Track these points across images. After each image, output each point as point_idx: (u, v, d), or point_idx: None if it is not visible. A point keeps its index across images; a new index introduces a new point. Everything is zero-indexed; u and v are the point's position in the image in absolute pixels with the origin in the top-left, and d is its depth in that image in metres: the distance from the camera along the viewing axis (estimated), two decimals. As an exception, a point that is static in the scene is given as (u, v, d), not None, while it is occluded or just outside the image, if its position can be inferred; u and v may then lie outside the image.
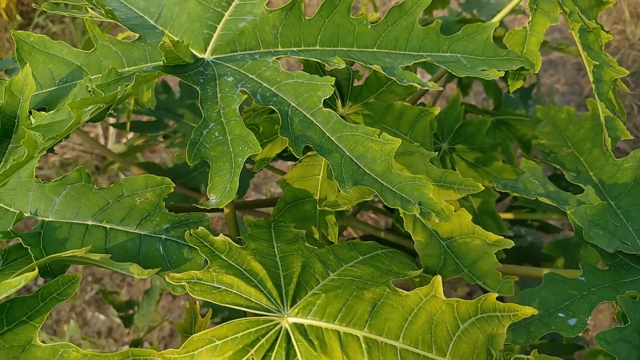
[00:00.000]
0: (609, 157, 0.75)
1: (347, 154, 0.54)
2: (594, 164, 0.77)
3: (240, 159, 0.52)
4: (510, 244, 0.60)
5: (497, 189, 0.68)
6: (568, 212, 0.59)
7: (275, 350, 0.44)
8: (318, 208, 0.62)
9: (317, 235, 0.66)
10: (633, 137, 0.81)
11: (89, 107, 0.52)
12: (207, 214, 0.55)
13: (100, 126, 2.37)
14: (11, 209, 0.55)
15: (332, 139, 0.55)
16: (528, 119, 1.04)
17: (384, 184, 0.53)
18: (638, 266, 0.64)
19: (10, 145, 0.58)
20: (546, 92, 2.39)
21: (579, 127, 0.82)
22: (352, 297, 0.45)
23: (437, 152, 0.89)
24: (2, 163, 0.57)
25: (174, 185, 0.55)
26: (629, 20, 2.80)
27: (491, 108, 1.09)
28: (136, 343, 1.04)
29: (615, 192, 0.72)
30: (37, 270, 0.42)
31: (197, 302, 0.58)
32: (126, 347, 1.49)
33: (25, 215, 0.54)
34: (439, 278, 0.46)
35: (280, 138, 0.70)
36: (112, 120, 1.50)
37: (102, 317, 1.83)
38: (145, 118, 1.70)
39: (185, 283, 0.45)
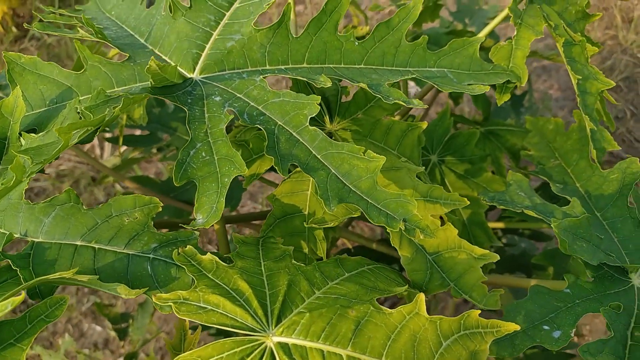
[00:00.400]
0: (596, 168, 0.76)
1: (333, 171, 0.55)
2: (580, 176, 0.78)
3: (226, 179, 0.52)
4: (496, 257, 0.61)
5: (486, 201, 0.69)
6: (552, 225, 0.60)
7: (260, 369, 0.44)
8: (302, 224, 0.63)
9: (306, 250, 0.66)
10: (620, 148, 0.82)
11: (80, 132, 0.53)
12: (195, 232, 0.56)
13: (97, 138, 2.37)
14: (1, 230, 0.55)
15: (318, 157, 0.56)
16: (517, 130, 1.05)
17: (369, 201, 0.54)
18: (623, 277, 0.65)
19: (0, 167, 0.59)
20: (540, 98, 2.41)
21: (567, 139, 0.83)
22: (336, 315, 0.46)
23: (426, 165, 0.90)
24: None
25: (162, 205, 0.55)
26: (621, 26, 2.82)
27: (481, 119, 1.10)
28: (131, 356, 1.04)
29: (602, 203, 0.73)
30: (23, 294, 0.43)
31: (187, 321, 0.59)
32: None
33: (15, 236, 0.54)
34: (422, 296, 0.47)
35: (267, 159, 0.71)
36: (107, 134, 1.51)
37: (98, 328, 1.83)
38: (138, 132, 1.72)
39: (172, 303, 0.46)
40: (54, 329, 1.87)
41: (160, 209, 0.55)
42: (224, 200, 0.52)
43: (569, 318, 0.58)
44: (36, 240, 0.54)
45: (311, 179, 0.69)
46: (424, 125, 0.73)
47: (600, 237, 0.65)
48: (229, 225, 1.34)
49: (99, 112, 0.54)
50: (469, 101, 2.28)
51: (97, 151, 2.29)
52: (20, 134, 0.58)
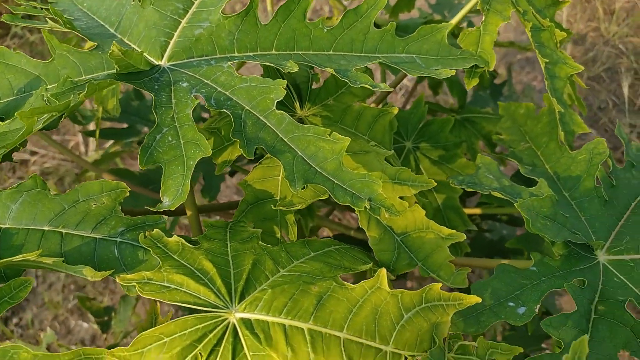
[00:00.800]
0: (564, 150, 0.78)
1: (299, 153, 0.56)
2: (550, 157, 0.79)
3: (192, 162, 0.53)
4: (463, 237, 0.62)
5: (455, 184, 0.70)
6: (516, 205, 0.61)
7: (222, 345, 0.45)
8: (273, 207, 0.63)
9: (278, 235, 0.67)
10: (590, 131, 0.83)
11: (43, 116, 0.54)
12: (163, 216, 0.57)
13: (80, 135, 2.37)
14: (-31, 218, 0.55)
15: (285, 139, 0.57)
16: (493, 117, 1.06)
17: (335, 181, 0.54)
18: (589, 255, 0.66)
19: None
20: (521, 90, 2.43)
21: (537, 122, 0.84)
22: (299, 291, 0.47)
23: (400, 151, 0.91)
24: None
25: (129, 189, 0.56)
26: (603, 17, 2.84)
27: (455, 105, 1.12)
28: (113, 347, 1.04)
29: (570, 183, 0.74)
30: None
31: (158, 303, 0.60)
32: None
33: (-17, 223, 0.55)
34: (383, 271, 0.48)
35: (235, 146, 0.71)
36: (89, 129, 1.51)
37: (85, 325, 1.82)
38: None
39: (136, 283, 0.47)
40: (40, 326, 1.87)
41: (128, 194, 0.56)
42: (189, 183, 0.52)
43: (534, 295, 0.59)
44: (3, 226, 0.54)
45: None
46: (395, 110, 0.74)
47: (565, 215, 0.67)
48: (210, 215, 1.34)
49: (64, 98, 0.54)
50: (446, 94, 2.30)
51: (82, 148, 2.28)
52: (-13, 122, 0.58)
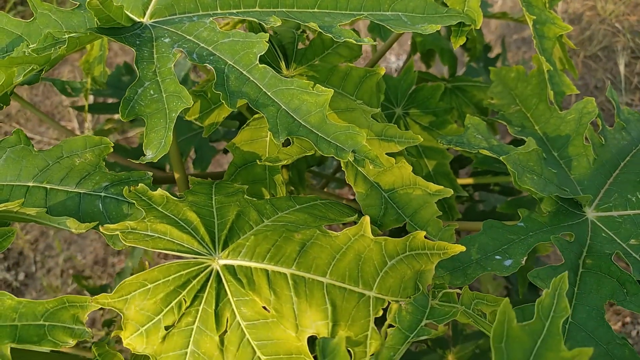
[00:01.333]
0: (554, 110, 0.77)
1: (283, 107, 0.55)
2: (539, 119, 0.78)
3: (174, 114, 0.53)
4: (450, 192, 0.61)
5: (443, 144, 0.70)
6: (502, 159, 0.61)
7: (206, 291, 0.45)
8: (259, 162, 0.63)
9: (267, 196, 0.67)
10: (579, 92, 0.83)
11: (25, 70, 0.53)
12: (148, 172, 0.56)
13: (76, 120, 2.36)
14: (-48, 175, 0.55)
15: (268, 93, 0.56)
16: (484, 85, 1.05)
17: (319, 134, 0.54)
18: (577, 211, 0.66)
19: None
20: (516, 64, 2.41)
21: (527, 84, 0.83)
22: (282, 238, 0.46)
23: (390, 117, 0.91)
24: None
25: (113, 144, 0.55)
26: (599, -5, 2.82)
27: (447, 75, 1.11)
28: (108, 323, 1.05)
29: (559, 143, 0.74)
30: None
31: (147, 262, 0.59)
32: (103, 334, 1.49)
33: (-34, 180, 0.54)
34: (367, 218, 0.48)
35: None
36: (80, 104, 1.50)
37: (82, 307, 1.83)
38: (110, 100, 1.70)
39: (119, 232, 0.46)
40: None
41: (112, 150, 0.56)
42: (172, 135, 0.52)
43: (520, 248, 0.59)
44: (-13, 183, 0.54)
45: (269, 125, 0.70)
46: (382, 71, 0.73)
47: (553, 171, 0.66)
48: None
49: (45, 52, 0.54)
50: (439, 66, 2.28)
51: (78, 133, 2.27)
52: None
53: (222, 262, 0.46)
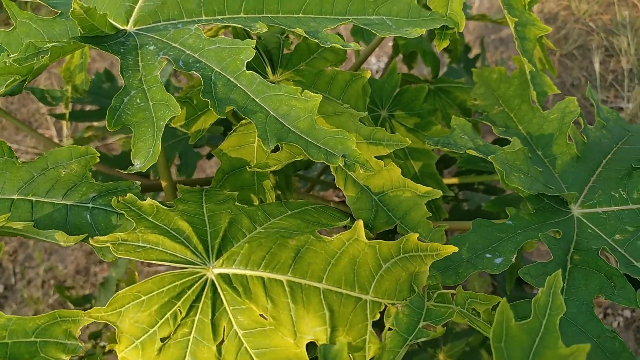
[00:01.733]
0: (537, 110, 0.79)
1: (272, 113, 0.55)
2: (522, 119, 0.80)
3: (162, 122, 0.52)
4: (439, 193, 0.62)
5: (430, 145, 0.70)
6: (490, 158, 0.62)
7: (201, 300, 0.44)
8: (249, 175, 0.63)
9: (256, 202, 0.67)
10: (559, 91, 0.84)
11: (7, 81, 0.52)
12: (136, 182, 0.56)
13: (54, 127, 2.32)
14: None
15: (257, 100, 0.56)
16: (466, 86, 1.06)
17: (309, 139, 0.54)
18: (563, 208, 0.67)
19: None
20: (495, 64, 2.44)
21: (509, 85, 0.85)
22: (276, 245, 0.46)
23: (376, 120, 0.91)
24: None
25: (99, 154, 0.54)
26: (573, -5, 2.88)
27: (430, 77, 1.12)
28: (95, 335, 1.03)
29: (543, 142, 0.75)
30: None
31: (137, 273, 0.59)
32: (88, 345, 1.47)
33: (-52, 194, 0.53)
34: (360, 222, 0.48)
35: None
36: (59, 112, 1.47)
37: (66, 319, 1.79)
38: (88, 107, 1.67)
39: (110, 244, 0.46)
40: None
41: (98, 160, 0.55)
42: (160, 144, 0.51)
43: (510, 246, 0.60)
44: (-31, 197, 0.52)
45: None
46: (368, 74, 0.74)
47: (539, 169, 0.68)
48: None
49: (27, 63, 0.53)
50: (421, 68, 2.30)
51: (56, 141, 2.23)
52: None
53: (217, 270, 0.46)
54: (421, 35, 1.19)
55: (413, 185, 0.62)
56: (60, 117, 1.02)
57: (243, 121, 0.70)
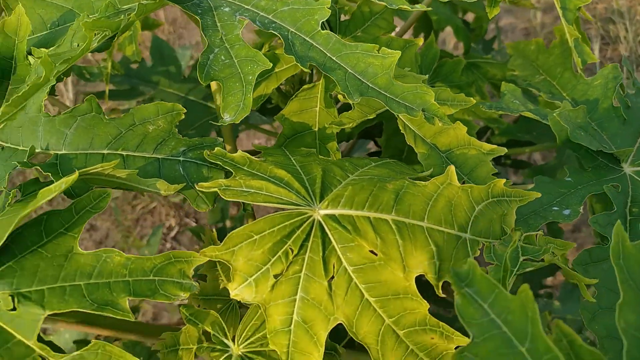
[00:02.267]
0: (580, 77, 0.81)
1: (350, 71, 0.57)
2: (566, 86, 0.82)
3: (251, 77, 0.53)
4: (504, 150, 0.64)
5: (485, 109, 0.73)
6: (554, 114, 0.64)
7: (310, 239, 0.46)
8: (327, 125, 0.64)
9: (318, 166, 0.68)
10: (598, 60, 0.87)
11: (99, 36, 0.53)
12: (219, 138, 0.57)
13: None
14: (20, 147, 0.54)
15: (333, 58, 0.58)
16: (496, 62, 1.09)
17: (388, 95, 0.56)
18: (616, 166, 0.70)
19: (10, 87, 0.57)
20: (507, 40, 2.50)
21: (549, 55, 0.87)
22: (377, 188, 0.48)
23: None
24: (3, 104, 0.57)
25: (185, 110, 0.55)
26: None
27: (461, 53, 1.14)
28: (134, 309, 1.03)
29: (589, 107, 0.78)
30: (77, 174, 0.42)
31: (214, 230, 0.60)
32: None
33: (37, 150, 0.53)
34: (452, 168, 0.50)
35: (274, 75, 0.71)
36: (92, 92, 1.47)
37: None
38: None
39: (216, 189, 0.47)
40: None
41: (183, 116, 0.56)
42: (252, 97, 0.52)
43: (575, 199, 0.63)
44: (59, 152, 0.53)
45: (319, 95, 0.71)
46: (420, 41, 0.76)
47: (595, 128, 0.70)
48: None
49: (117, 18, 0.53)
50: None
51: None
52: (29, 52, 0.57)
53: (323, 212, 0.47)
54: (453, 10, 1.21)
55: (478, 144, 0.64)
56: (100, 95, 1.02)
57: (305, 86, 0.71)
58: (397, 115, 0.65)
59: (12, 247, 0.44)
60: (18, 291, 0.42)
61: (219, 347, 0.50)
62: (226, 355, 0.50)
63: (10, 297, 0.42)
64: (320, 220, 0.47)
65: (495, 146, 0.64)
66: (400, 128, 0.64)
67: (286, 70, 0.73)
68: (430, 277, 0.45)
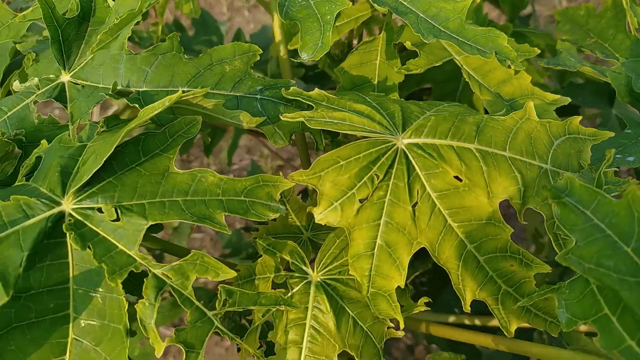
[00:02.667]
0: (634, 38, 0.81)
1: (422, 15, 0.58)
2: (619, 47, 0.82)
3: (329, 17, 0.54)
4: (567, 100, 0.64)
5: (542, 65, 0.73)
6: (619, 63, 0.64)
7: (395, 166, 0.47)
8: (395, 69, 0.64)
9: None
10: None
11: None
12: (292, 80, 0.58)
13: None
14: (100, 85, 0.56)
15: (405, 3, 0.58)
16: (540, 32, 1.09)
17: (460, 38, 0.56)
18: (672, 121, 0.70)
19: (89, 29, 0.59)
20: (543, 24, 2.48)
21: (600, 18, 0.87)
22: (457, 120, 0.49)
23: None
24: (83, 46, 0.58)
25: (261, 51, 0.57)
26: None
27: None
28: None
29: (644, 66, 0.78)
30: (180, 92, 0.44)
31: (293, 190, 0.61)
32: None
33: (118, 88, 0.55)
34: (531, 103, 0.50)
35: (335, 28, 0.72)
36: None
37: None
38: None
39: (302, 118, 0.48)
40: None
41: (258, 58, 0.57)
42: (330, 36, 0.53)
43: (636, 148, 0.63)
44: (140, 89, 0.55)
45: (379, 48, 0.72)
46: (478, 0, 0.76)
47: (653, 83, 0.70)
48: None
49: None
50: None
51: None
52: (108, -6, 0.58)
53: (406, 141, 0.48)
54: (498, -20, 1.20)
55: (541, 93, 0.65)
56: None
57: (366, 39, 0.72)
58: (461, 65, 0.66)
59: (112, 163, 0.46)
60: (120, 204, 0.44)
61: (297, 274, 0.52)
62: (305, 281, 0.51)
63: (113, 209, 0.44)
64: (404, 148, 0.48)
65: (558, 96, 0.65)
66: (465, 77, 0.64)
67: (346, 25, 0.74)
68: (515, 203, 0.46)
